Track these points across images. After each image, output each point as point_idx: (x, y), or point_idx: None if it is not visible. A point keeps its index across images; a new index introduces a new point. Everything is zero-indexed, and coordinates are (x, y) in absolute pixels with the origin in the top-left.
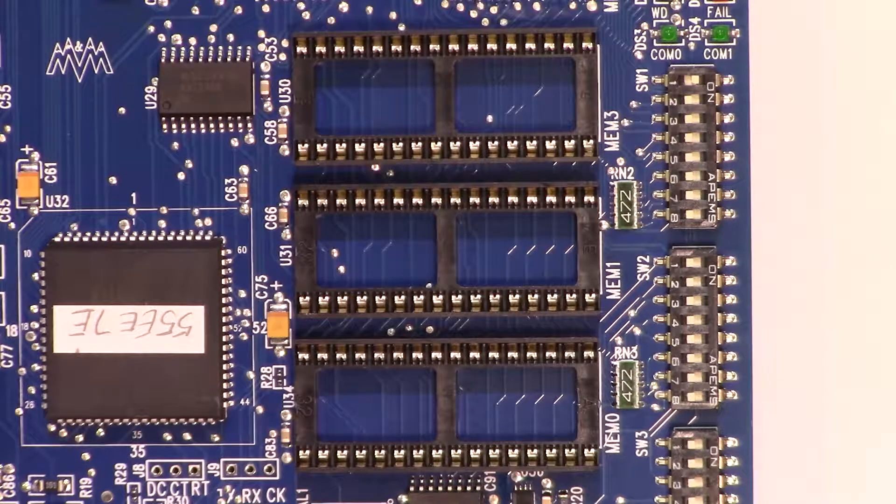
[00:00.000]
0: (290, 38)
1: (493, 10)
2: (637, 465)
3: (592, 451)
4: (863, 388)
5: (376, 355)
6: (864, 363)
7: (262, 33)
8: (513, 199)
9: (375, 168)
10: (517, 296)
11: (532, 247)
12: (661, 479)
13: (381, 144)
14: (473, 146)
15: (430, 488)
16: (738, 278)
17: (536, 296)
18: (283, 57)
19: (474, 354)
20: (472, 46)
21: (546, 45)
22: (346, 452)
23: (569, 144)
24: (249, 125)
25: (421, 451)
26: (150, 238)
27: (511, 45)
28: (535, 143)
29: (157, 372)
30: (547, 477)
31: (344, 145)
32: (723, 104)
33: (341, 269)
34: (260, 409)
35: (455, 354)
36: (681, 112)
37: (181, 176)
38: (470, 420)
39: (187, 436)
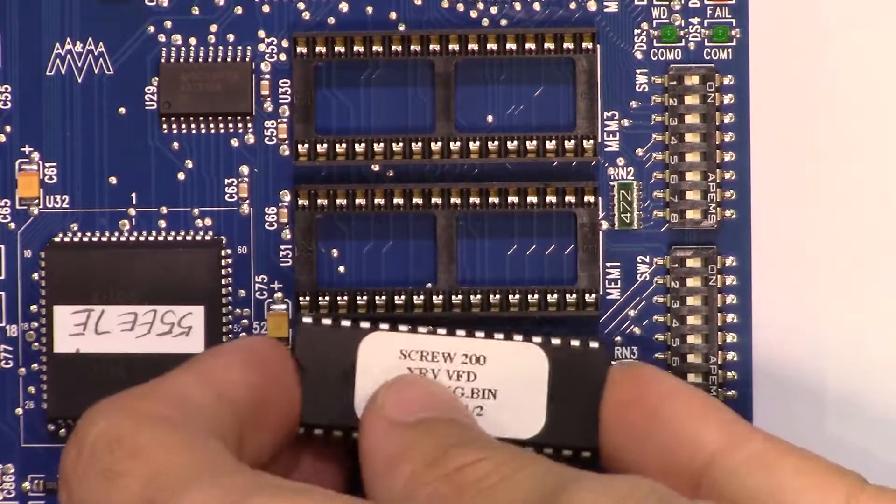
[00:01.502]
0: (290, 38)
1: (493, 10)
2: None
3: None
4: (862, 387)
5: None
6: (863, 363)
7: (262, 33)
8: (513, 199)
9: (375, 168)
10: (517, 296)
11: (532, 247)
12: None
13: (381, 144)
14: (473, 146)
15: None
16: (738, 278)
17: (536, 296)
18: (283, 57)
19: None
20: (472, 46)
21: (546, 45)
22: None
23: (569, 144)
24: (249, 125)
25: None
26: (150, 238)
27: (511, 45)
28: (535, 143)
29: (157, 372)
30: None
31: (344, 145)
32: (723, 104)
33: (341, 269)
34: None
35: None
36: (681, 112)
37: (181, 176)
38: None
39: None
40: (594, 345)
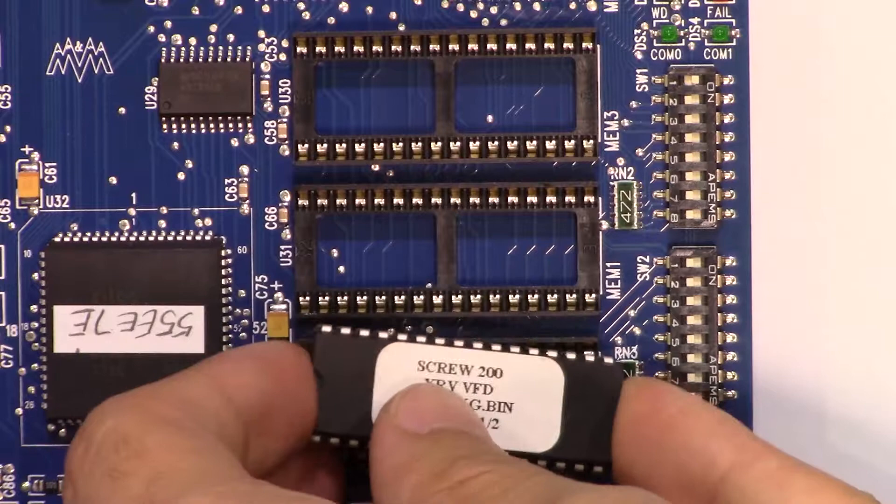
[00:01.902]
0: (290, 38)
1: (493, 10)
2: None
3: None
4: (863, 387)
5: (393, 334)
6: (864, 363)
7: (262, 33)
8: (513, 199)
9: (375, 168)
10: (517, 295)
11: (532, 247)
12: None
13: (381, 144)
14: (473, 146)
15: None
16: (738, 278)
17: (536, 296)
18: (283, 57)
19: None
20: (472, 46)
21: (546, 45)
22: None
23: (569, 144)
24: (249, 125)
25: None
26: (150, 238)
27: (511, 45)
28: (535, 143)
29: (157, 372)
30: None
31: (344, 145)
32: (723, 104)
33: (341, 269)
34: None
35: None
36: (681, 112)
37: (181, 176)
38: None
39: None
40: (609, 361)
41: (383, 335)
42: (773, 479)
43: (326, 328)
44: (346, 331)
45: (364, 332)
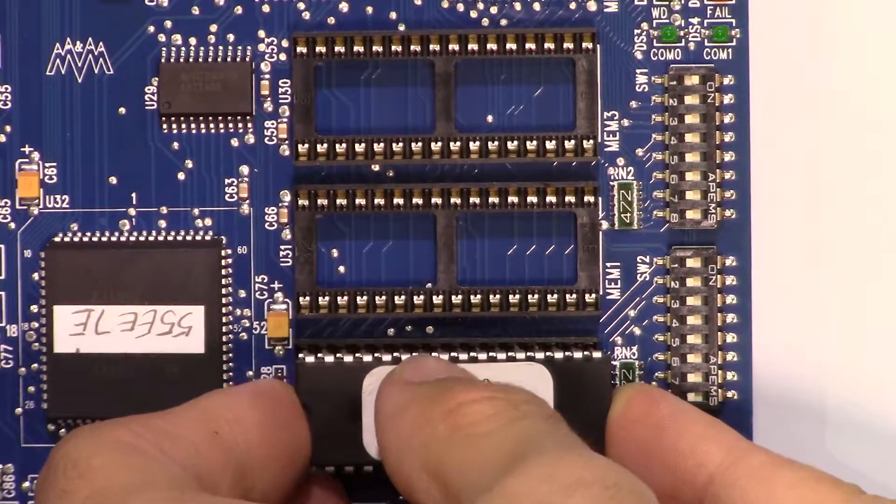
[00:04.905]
0: (290, 38)
1: (493, 10)
2: None
3: None
4: (863, 386)
5: (377, 356)
6: (864, 363)
7: (262, 33)
8: (513, 199)
9: (375, 168)
10: (517, 296)
11: (532, 247)
12: None
13: (381, 144)
14: (473, 146)
15: None
16: (738, 278)
17: (536, 296)
18: (283, 57)
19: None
20: (472, 46)
21: (546, 45)
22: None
23: (569, 144)
24: (249, 125)
25: None
26: (150, 238)
27: (511, 45)
28: (535, 143)
29: (157, 372)
30: None
31: (344, 145)
32: (723, 104)
33: (341, 269)
34: None
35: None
36: (681, 112)
37: (181, 176)
38: None
39: None
40: (597, 355)
41: (367, 358)
42: (759, 474)
43: (309, 359)
44: (329, 359)
45: (348, 358)
